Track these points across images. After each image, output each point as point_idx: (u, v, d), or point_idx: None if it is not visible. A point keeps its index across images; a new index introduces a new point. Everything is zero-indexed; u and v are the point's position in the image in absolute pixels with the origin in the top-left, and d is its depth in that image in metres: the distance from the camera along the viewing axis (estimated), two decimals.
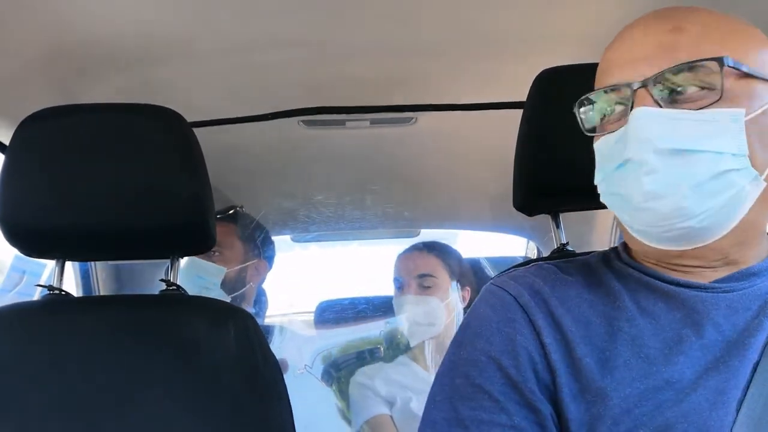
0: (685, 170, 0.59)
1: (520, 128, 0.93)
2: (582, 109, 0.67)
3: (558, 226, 0.99)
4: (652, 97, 0.61)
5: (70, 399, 0.89)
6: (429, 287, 1.70)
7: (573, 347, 0.63)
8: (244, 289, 1.74)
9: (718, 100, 0.59)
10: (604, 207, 0.69)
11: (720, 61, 0.59)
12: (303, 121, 1.47)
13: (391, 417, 1.62)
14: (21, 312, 0.99)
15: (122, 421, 0.88)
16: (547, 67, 0.92)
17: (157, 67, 1.20)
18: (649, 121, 0.60)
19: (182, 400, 0.90)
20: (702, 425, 0.58)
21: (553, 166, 0.89)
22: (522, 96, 0.93)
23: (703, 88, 0.60)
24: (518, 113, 0.94)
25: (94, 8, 1.00)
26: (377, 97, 1.38)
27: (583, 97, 0.67)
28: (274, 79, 1.29)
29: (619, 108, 0.64)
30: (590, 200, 0.70)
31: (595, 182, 0.67)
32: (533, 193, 0.93)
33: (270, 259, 1.87)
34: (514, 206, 0.96)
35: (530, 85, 0.93)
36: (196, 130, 0.98)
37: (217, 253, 1.70)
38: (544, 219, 1.01)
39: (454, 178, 1.83)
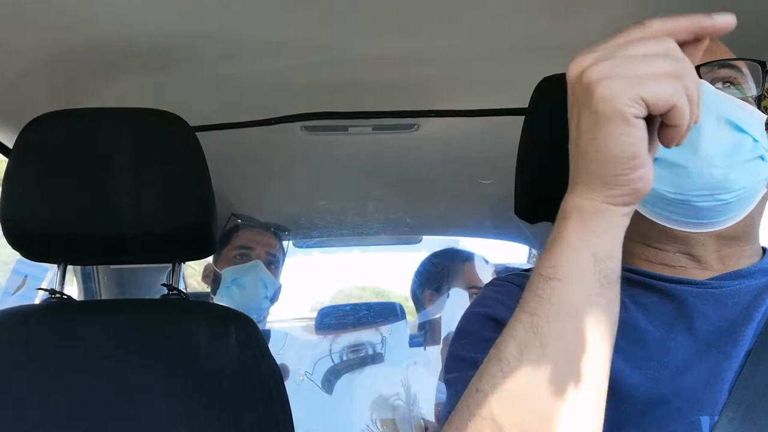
0: (735, 145, 0.61)
1: (521, 135, 0.93)
2: None
3: None
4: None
5: (71, 403, 0.89)
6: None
7: None
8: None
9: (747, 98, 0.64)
10: None
11: (763, 64, 0.64)
12: (305, 126, 1.47)
13: (394, 420, 1.62)
14: (23, 316, 0.99)
15: (123, 425, 0.88)
16: (549, 74, 0.92)
17: (161, 71, 1.20)
18: (707, 88, 0.61)
19: (183, 405, 0.90)
20: (696, 402, 0.60)
21: (555, 173, 0.89)
22: (524, 103, 0.93)
23: (737, 88, 0.65)
24: (520, 120, 0.94)
25: (99, 12, 1.00)
26: (380, 103, 1.38)
27: None
28: (277, 84, 1.29)
29: None
30: None
31: None
32: (534, 201, 0.93)
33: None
34: (516, 213, 0.96)
35: (532, 91, 0.93)
36: (199, 135, 0.99)
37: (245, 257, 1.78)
38: (546, 227, 1.00)
39: (456, 184, 1.83)
